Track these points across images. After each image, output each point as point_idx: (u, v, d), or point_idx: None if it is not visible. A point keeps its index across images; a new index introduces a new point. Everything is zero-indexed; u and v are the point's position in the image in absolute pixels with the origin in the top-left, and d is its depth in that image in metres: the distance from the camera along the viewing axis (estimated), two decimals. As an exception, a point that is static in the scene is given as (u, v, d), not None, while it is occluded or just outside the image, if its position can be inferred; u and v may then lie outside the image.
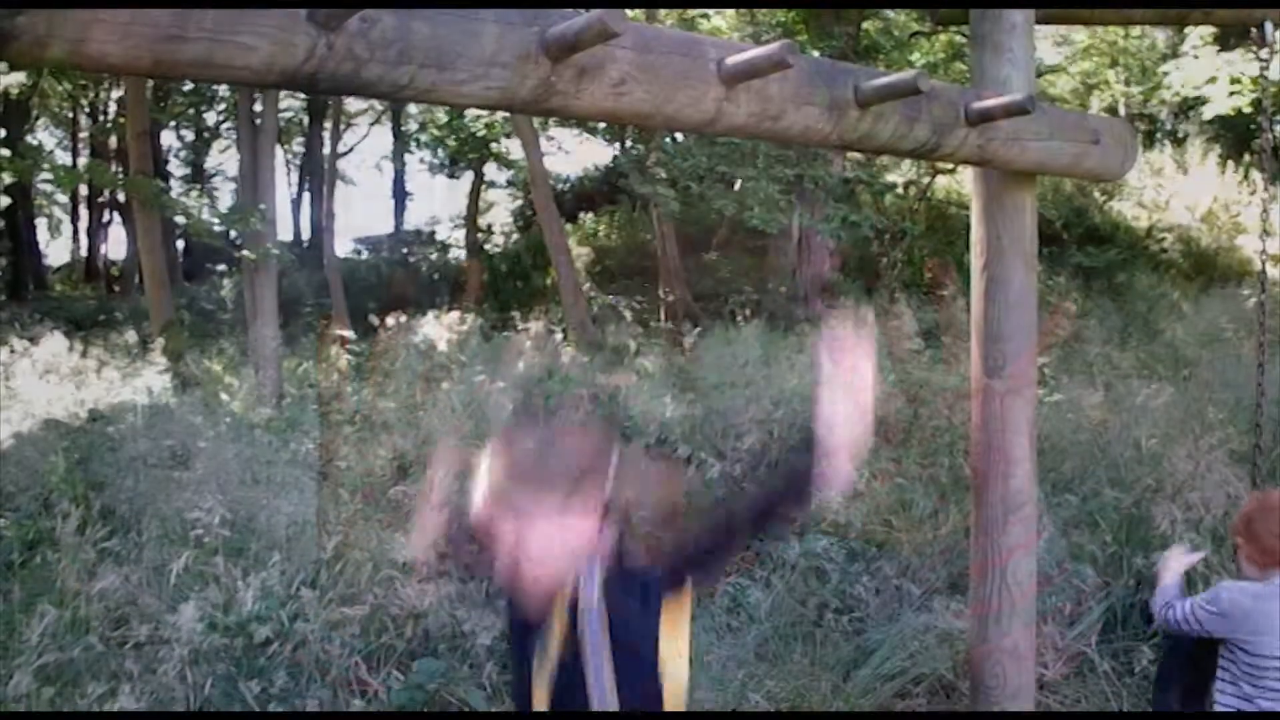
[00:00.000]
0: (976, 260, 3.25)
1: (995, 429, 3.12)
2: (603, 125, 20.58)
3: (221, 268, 24.26)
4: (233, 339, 14.40)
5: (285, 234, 25.89)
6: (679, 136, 15.10)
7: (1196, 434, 6.24)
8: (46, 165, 11.72)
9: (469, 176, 21.73)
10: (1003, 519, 3.09)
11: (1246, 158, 13.74)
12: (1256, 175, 12.93)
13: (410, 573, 5.60)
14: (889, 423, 7.25)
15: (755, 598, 5.18)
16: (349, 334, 13.80)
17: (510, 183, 23.07)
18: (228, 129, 27.03)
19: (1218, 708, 3.23)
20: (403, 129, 26.18)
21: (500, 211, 23.98)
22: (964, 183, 16.00)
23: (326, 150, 23.08)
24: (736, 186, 13.99)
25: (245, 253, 12.52)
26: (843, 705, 4.30)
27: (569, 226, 18.54)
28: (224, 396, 10.87)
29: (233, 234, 19.51)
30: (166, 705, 4.82)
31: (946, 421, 7.14)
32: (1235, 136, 14.43)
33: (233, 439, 8.06)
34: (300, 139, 29.50)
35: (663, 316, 14.36)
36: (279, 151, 20.85)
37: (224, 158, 31.45)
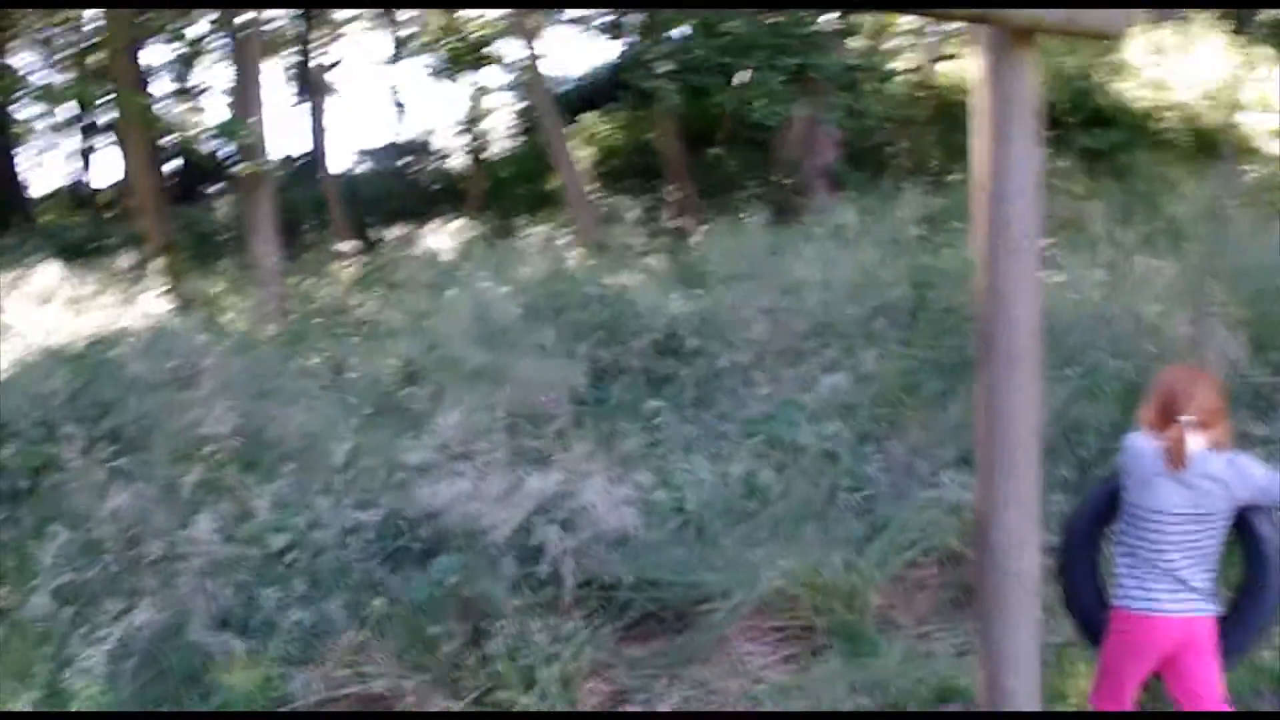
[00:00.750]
0: (980, 122, 3.24)
1: (999, 289, 3.15)
2: (602, 20, 20.20)
3: (216, 189, 24.12)
4: (232, 259, 14.40)
5: (280, 150, 25.64)
6: (675, 33, 14.85)
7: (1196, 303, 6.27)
8: (25, 86, 11.50)
9: (466, 81, 21.38)
10: (1006, 374, 3.14)
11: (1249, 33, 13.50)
12: (1258, 51, 12.75)
13: (424, 474, 5.70)
14: (896, 306, 7.28)
15: (767, 481, 5.28)
16: (351, 246, 13.81)
17: (510, 86, 22.70)
18: (212, 43, 26.59)
19: (1116, 554, 3.48)
20: (395, 35, 25.70)
21: (500, 116, 23.67)
22: (968, 69, 15.73)
23: (317, 62, 22.73)
24: (738, 80, 13.80)
25: (240, 166, 12.45)
26: (856, 579, 4.42)
27: (571, 128, 18.33)
28: (227, 316, 10.94)
29: (225, 153, 19.35)
30: (186, 617, 4.94)
31: (953, 304, 7.15)
32: (1239, 11, 14.14)
33: (238, 355, 8.11)
34: (289, 51, 29.03)
35: (669, 214, 14.30)
36: (269, 65, 20.51)
37: (210, 75, 31.02)
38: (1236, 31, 13.48)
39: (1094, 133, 13.10)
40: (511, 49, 20.01)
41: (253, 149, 12.18)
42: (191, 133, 13.97)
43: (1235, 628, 3.43)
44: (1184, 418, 3.27)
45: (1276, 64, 12.12)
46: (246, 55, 12.80)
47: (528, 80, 16.45)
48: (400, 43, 25.10)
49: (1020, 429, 3.14)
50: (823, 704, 4.09)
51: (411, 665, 4.55)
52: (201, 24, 24.65)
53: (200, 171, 23.41)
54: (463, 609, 4.76)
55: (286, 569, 5.16)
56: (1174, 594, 3.32)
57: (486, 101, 22.06)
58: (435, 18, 22.48)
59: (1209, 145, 12.41)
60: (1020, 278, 3.14)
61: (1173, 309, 6.23)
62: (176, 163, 24.71)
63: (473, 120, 20.45)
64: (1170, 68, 13.62)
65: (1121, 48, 13.15)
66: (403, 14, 26.00)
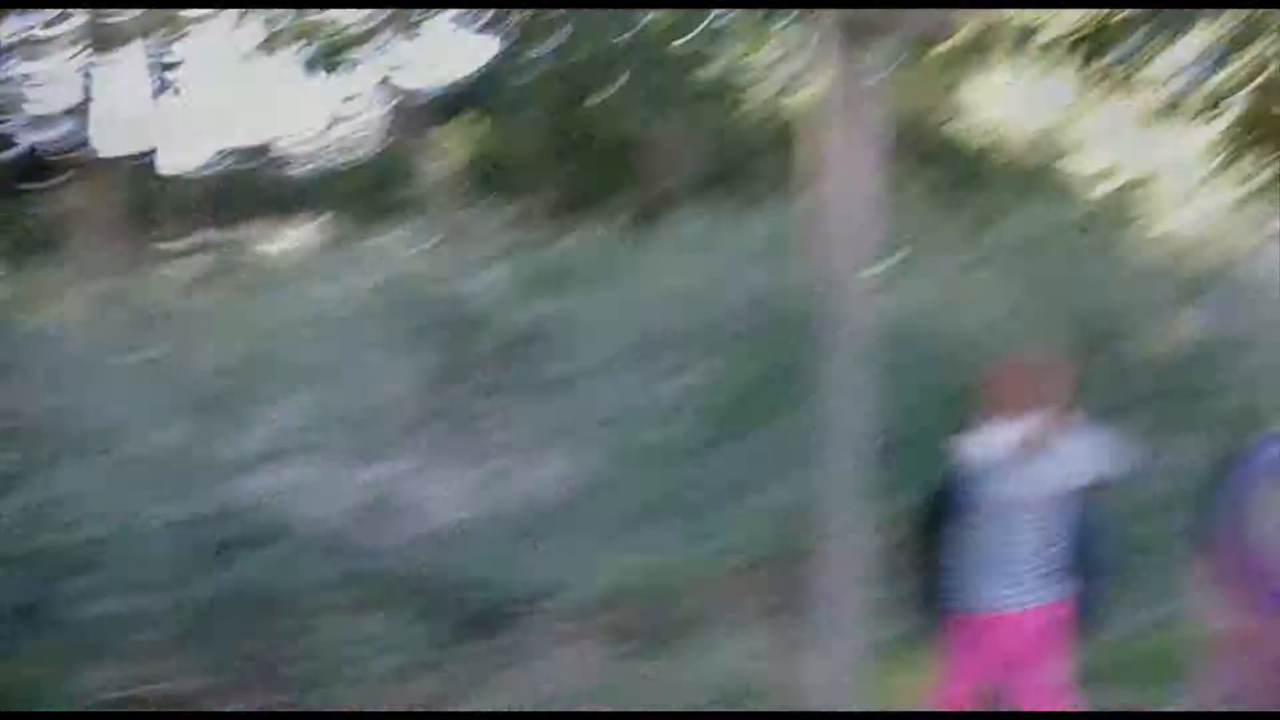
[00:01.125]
0: (818, 118, 3.36)
1: (832, 288, 3.27)
2: (481, 21, 20.10)
3: (41, 184, 22.95)
4: (53, 254, 13.72)
5: (117, 146, 24.58)
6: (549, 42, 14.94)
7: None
8: None
9: (328, 82, 20.97)
10: (840, 372, 3.24)
11: (1080, 78, 14.39)
12: (1093, 94, 13.60)
13: (248, 469, 5.51)
14: (744, 316, 7.42)
15: (606, 479, 5.31)
16: (187, 245, 13.36)
17: (374, 89, 22.36)
18: (48, 29, 25.44)
19: (963, 554, 3.44)
20: (254, 32, 25.02)
21: (362, 119, 23.28)
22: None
23: (163, 57, 21.94)
24: (606, 93, 13.99)
25: (68, 155, 11.94)
26: (685, 579, 4.46)
27: (436, 133, 18.21)
28: (41, 310, 10.38)
29: (53, 145, 18.45)
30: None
31: (800, 317, 7.32)
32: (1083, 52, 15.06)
33: (52, 347, 7.69)
34: (132, 44, 27.98)
35: (529, 222, 14.30)
36: (111, 56, 19.73)
37: (42, 64, 29.61)
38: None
39: (937, 164, 13.71)
40: (377, 52, 19.80)
41: (83, 138, 11.72)
42: (11, 119, 13.33)
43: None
44: (1036, 403, 3.32)
45: (1106, 108, 12.89)
46: (91, 44, 12.34)
47: (391, 83, 16.32)
48: (259, 40, 24.47)
49: (851, 425, 3.25)
50: (639, 704, 4.10)
51: (220, 664, 4.38)
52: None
53: (23, 166, 22.28)
54: (281, 605, 4.63)
55: (88, 562, 4.91)
56: (1026, 587, 3.36)
57: (349, 104, 21.72)
58: (301, 14, 22.03)
59: (1037, 181, 13.15)
60: (852, 277, 3.26)
61: (1004, 323, 6.55)
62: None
63: (332, 122, 20.06)
64: (1009, 107, 14.41)
65: (965, 85, 13.78)
66: (266, 12, 25.36)
